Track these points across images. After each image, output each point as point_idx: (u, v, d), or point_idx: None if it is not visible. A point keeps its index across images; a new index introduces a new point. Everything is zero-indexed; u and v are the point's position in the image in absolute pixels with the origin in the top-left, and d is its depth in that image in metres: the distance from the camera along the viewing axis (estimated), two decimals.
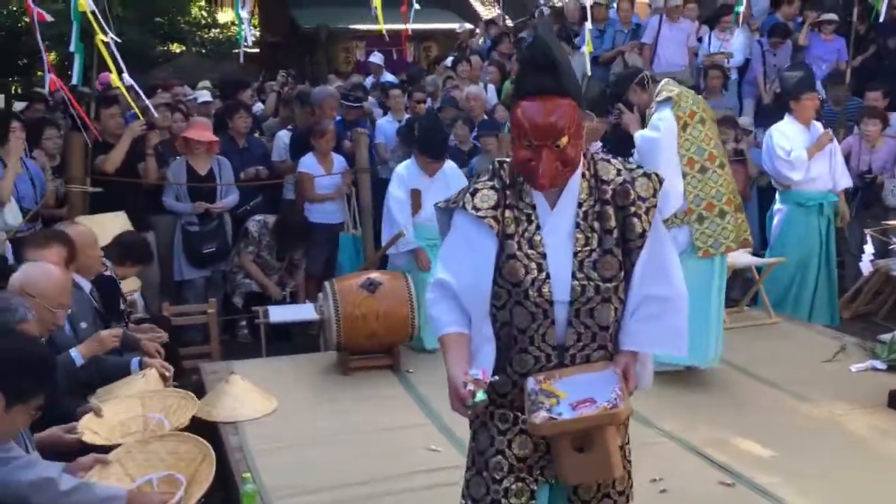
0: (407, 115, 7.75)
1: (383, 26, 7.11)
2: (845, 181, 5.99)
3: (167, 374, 3.74)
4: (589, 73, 8.34)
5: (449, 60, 10.34)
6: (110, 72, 5.10)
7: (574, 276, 2.20)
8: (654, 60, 8.88)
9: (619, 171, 2.27)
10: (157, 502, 2.70)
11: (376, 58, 10.57)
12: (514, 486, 2.26)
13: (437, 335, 2.30)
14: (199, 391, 4.65)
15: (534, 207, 2.23)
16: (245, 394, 4.39)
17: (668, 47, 8.82)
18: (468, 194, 2.25)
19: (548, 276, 2.19)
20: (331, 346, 5.02)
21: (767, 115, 7.56)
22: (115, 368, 3.69)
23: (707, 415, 4.28)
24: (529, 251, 2.20)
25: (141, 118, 5.60)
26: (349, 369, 4.88)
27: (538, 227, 2.22)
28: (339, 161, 6.53)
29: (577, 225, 2.22)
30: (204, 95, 8.12)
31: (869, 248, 4.80)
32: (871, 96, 6.95)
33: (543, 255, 2.20)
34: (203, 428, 4.19)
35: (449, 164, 5.58)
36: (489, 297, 2.23)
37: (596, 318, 2.22)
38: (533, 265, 2.19)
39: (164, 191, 6.06)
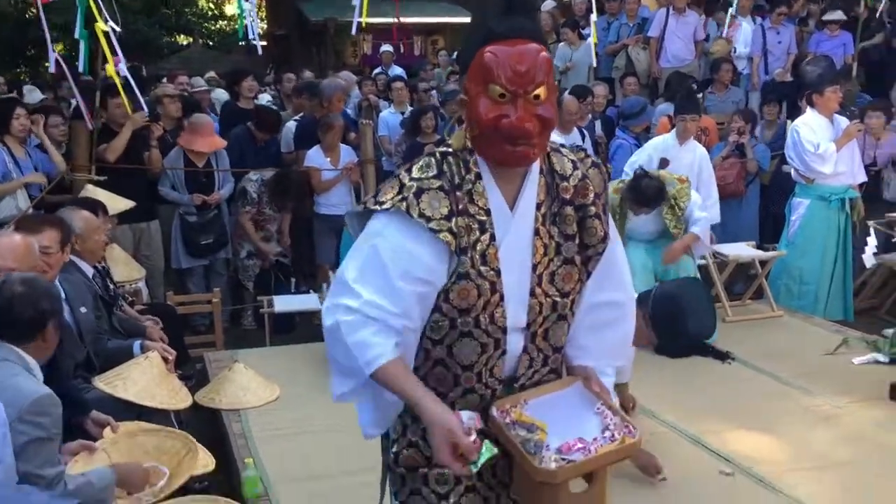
0: (410, 108, 7.77)
1: (365, 19, 7.17)
2: (862, 175, 6.00)
3: (169, 357, 3.79)
4: (594, 65, 8.38)
5: (452, 53, 10.38)
6: (107, 61, 5.12)
7: (532, 294, 1.83)
8: (660, 55, 8.89)
9: (574, 163, 1.88)
10: (140, 478, 2.76)
11: (388, 47, 10.63)
12: None
13: (369, 366, 1.73)
14: (204, 379, 4.71)
15: (488, 213, 1.78)
16: (248, 382, 4.42)
17: (674, 41, 8.81)
18: (412, 195, 1.73)
19: (501, 298, 1.79)
20: None
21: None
22: (118, 352, 3.73)
23: (709, 406, 4.29)
24: (482, 268, 1.77)
25: (141, 110, 5.65)
26: None
27: (493, 238, 1.78)
28: (346, 152, 6.56)
29: (536, 231, 1.82)
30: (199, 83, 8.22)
31: (872, 241, 4.80)
32: None
33: (498, 273, 1.78)
34: (206, 415, 4.25)
35: None
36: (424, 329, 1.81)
37: (550, 340, 1.90)
38: (486, 285, 1.77)
39: (161, 180, 6.10)
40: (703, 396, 4.42)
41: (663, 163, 5.52)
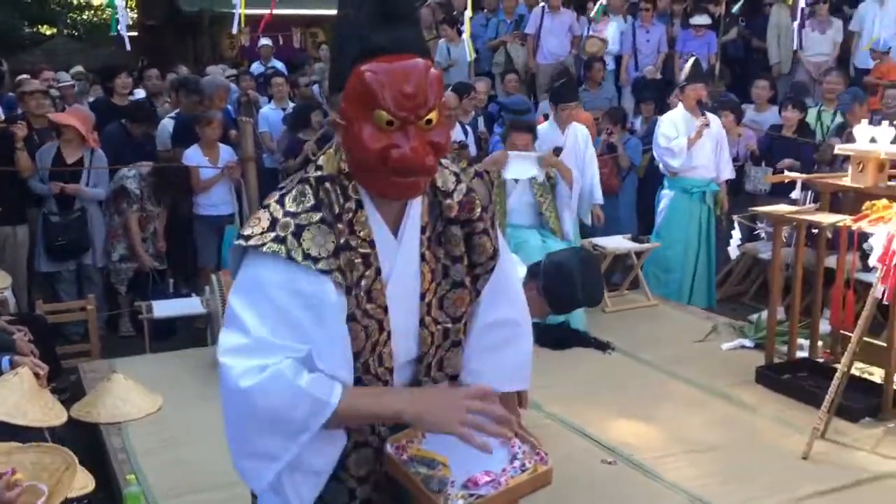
0: (291, 104, 7.67)
1: (244, 11, 7.04)
2: (728, 172, 6.29)
3: (41, 372, 3.62)
4: (469, 59, 8.50)
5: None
6: None
7: (422, 324, 1.68)
8: (537, 52, 9.10)
9: (457, 176, 1.72)
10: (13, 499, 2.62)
11: (266, 41, 10.43)
12: None
13: (331, 398, 1.51)
14: (79, 392, 4.51)
15: (372, 245, 1.60)
16: (127, 393, 4.26)
17: (550, 38, 9.06)
18: (290, 235, 1.51)
19: (388, 337, 1.63)
20: (217, 339, 4.93)
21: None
22: None
23: (590, 396, 4.43)
24: (369, 306, 1.59)
25: None
26: None
27: (378, 272, 1.60)
28: (225, 151, 6.40)
29: (423, 256, 1.66)
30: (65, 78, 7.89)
31: (737, 234, 5.09)
32: (760, 84, 7.39)
33: (385, 310, 1.61)
34: (84, 430, 4.07)
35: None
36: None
37: (446, 370, 1.76)
38: (374, 325, 1.60)
39: (33, 174, 5.82)
40: (585, 387, 4.57)
41: (557, 151, 5.66)
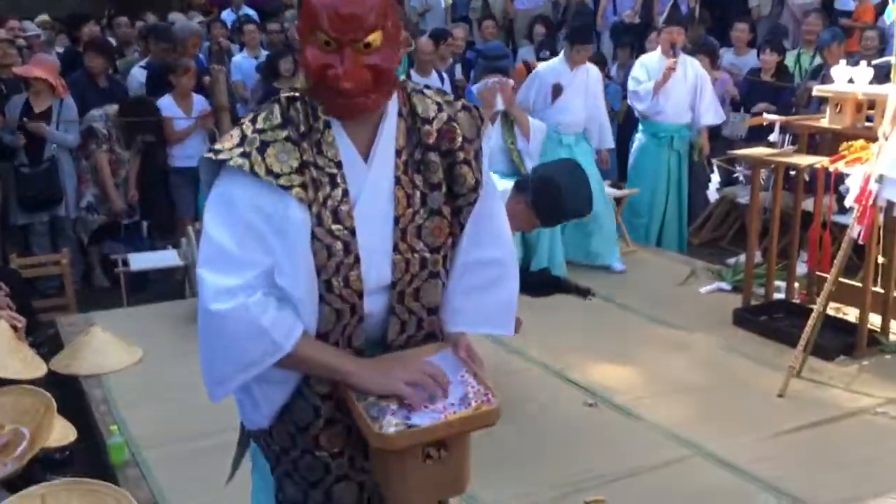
0: (265, 52, 7.53)
1: None
2: (711, 116, 6.13)
3: (18, 325, 3.59)
4: (446, 4, 8.37)
5: None
6: None
7: (396, 249, 1.67)
8: None
9: (439, 105, 1.71)
10: None
11: None
12: None
13: (287, 341, 1.59)
14: (57, 345, 4.48)
15: (339, 165, 1.62)
16: (106, 346, 4.24)
17: None
18: (255, 150, 1.56)
19: (357, 260, 1.63)
20: (195, 292, 4.90)
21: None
22: None
23: (572, 341, 4.47)
24: (334, 226, 1.60)
25: None
26: None
27: (345, 193, 1.62)
28: (199, 101, 6.29)
29: (398, 180, 1.66)
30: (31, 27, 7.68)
31: (715, 178, 5.09)
32: (739, 27, 7.33)
33: (352, 232, 1.62)
34: (64, 382, 4.05)
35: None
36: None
37: (422, 300, 1.73)
38: (338, 246, 1.60)
39: (3, 127, 5.70)
40: (567, 332, 4.60)
41: (556, 89, 5.56)
